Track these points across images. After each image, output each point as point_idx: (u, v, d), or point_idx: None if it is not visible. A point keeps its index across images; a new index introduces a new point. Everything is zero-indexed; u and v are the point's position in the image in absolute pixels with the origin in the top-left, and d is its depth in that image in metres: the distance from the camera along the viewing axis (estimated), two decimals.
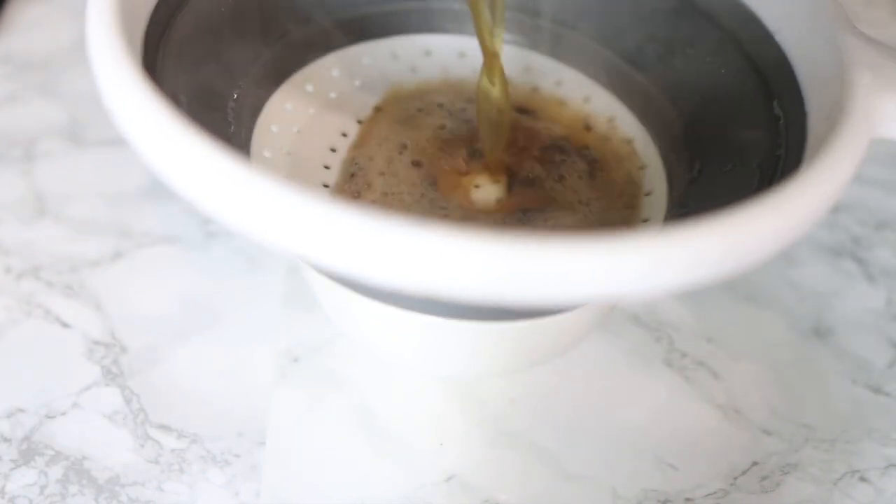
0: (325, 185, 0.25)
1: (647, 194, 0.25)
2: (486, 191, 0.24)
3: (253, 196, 0.14)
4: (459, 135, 0.26)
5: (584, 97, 0.27)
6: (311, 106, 0.26)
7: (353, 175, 0.25)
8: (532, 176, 0.25)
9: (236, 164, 0.14)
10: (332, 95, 0.27)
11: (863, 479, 0.24)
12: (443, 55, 0.29)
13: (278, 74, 0.26)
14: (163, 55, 0.20)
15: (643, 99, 0.26)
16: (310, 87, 0.27)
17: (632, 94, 0.26)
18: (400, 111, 0.27)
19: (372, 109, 0.27)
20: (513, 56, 0.28)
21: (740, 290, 0.28)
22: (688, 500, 0.23)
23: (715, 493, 0.23)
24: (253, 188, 0.14)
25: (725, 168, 0.22)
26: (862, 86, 0.18)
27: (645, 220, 0.24)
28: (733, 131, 0.23)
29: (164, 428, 0.23)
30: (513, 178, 0.25)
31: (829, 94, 0.19)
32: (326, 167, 0.26)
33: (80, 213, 0.29)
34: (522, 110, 0.27)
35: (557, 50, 0.27)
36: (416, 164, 0.25)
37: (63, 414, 0.24)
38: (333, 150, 0.26)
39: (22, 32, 0.37)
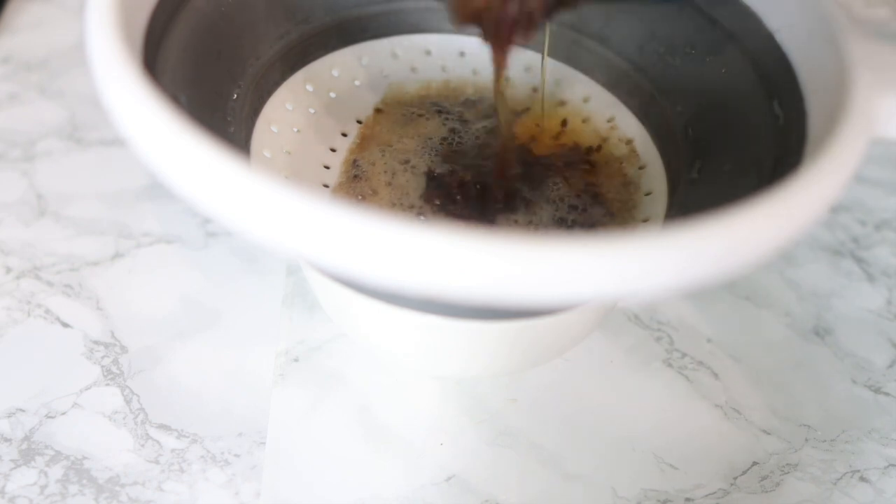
0: (325, 185, 0.25)
1: (647, 194, 0.25)
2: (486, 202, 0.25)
3: (253, 196, 0.14)
4: (456, 142, 0.26)
5: (584, 97, 0.27)
6: (312, 106, 0.26)
7: (355, 177, 0.25)
8: (532, 180, 0.25)
9: (236, 165, 0.14)
10: (332, 95, 0.27)
11: (863, 479, 0.24)
12: (443, 55, 0.29)
13: (278, 74, 0.26)
14: (163, 55, 0.20)
15: (643, 99, 0.26)
16: (310, 87, 0.27)
17: (632, 94, 0.26)
18: (400, 114, 0.27)
19: (372, 110, 0.27)
20: (513, 56, 0.28)
21: (740, 290, 0.28)
22: (688, 500, 0.23)
23: (715, 493, 0.23)
24: (253, 188, 0.14)
25: (725, 168, 0.22)
26: (862, 86, 0.18)
27: (645, 220, 0.24)
28: (733, 131, 0.23)
29: (164, 428, 0.23)
30: (514, 185, 0.25)
31: (829, 93, 0.19)
32: (326, 167, 0.26)
33: (80, 213, 0.29)
34: (519, 114, 0.27)
35: (557, 50, 0.28)
36: (417, 174, 0.25)
37: (63, 414, 0.24)
38: (333, 150, 0.26)
39: (22, 32, 0.37)
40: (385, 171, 0.25)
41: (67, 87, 0.34)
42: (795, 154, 0.19)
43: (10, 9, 0.38)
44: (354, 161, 0.26)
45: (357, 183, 0.25)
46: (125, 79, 0.16)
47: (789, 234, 0.15)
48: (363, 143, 0.26)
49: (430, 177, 0.25)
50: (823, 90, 0.19)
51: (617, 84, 0.27)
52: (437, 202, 0.24)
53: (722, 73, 0.23)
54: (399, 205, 0.24)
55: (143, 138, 0.16)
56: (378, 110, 0.27)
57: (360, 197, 0.24)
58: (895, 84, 0.18)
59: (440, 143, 0.26)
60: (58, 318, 0.26)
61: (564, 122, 0.27)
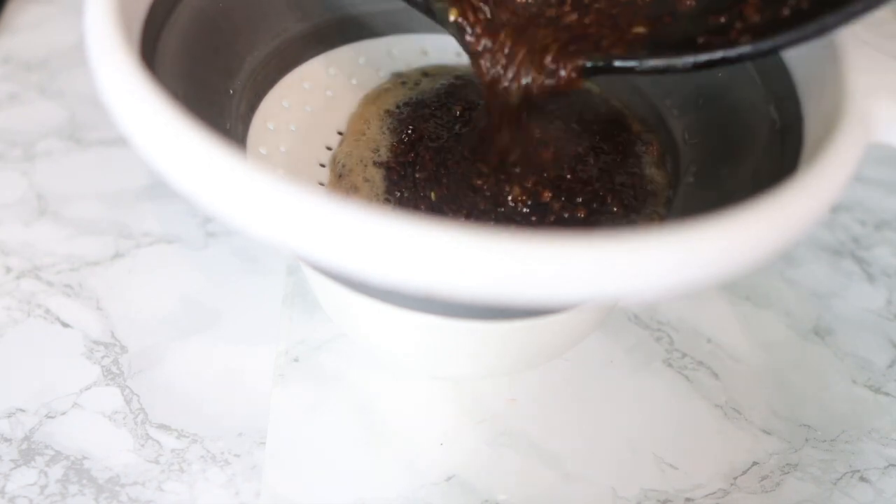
0: (321, 184, 0.25)
1: None
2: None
3: (254, 193, 0.14)
4: (447, 141, 0.26)
5: None
6: (308, 103, 0.26)
7: (340, 176, 0.25)
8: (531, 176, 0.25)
9: (237, 161, 0.14)
10: (329, 93, 0.27)
11: (863, 479, 0.24)
12: (440, 54, 0.29)
13: (275, 71, 0.26)
14: (161, 51, 0.20)
15: (642, 100, 0.26)
16: (306, 85, 0.27)
17: (629, 97, 0.26)
18: (391, 111, 0.27)
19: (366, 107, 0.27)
20: None
21: (740, 290, 0.28)
22: (688, 500, 0.23)
23: (715, 493, 0.23)
24: (254, 185, 0.14)
25: (722, 171, 0.22)
26: (859, 91, 0.18)
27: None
28: (731, 133, 0.23)
29: (164, 428, 0.23)
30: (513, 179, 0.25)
31: (826, 98, 0.19)
32: (322, 165, 0.26)
33: (80, 213, 0.29)
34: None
35: None
36: (404, 175, 0.25)
37: (63, 414, 0.24)
38: (329, 149, 0.26)
39: (22, 32, 0.37)
40: (360, 162, 0.25)
41: (67, 87, 0.34)
42: (792, 158, 0.19)
43: (10, 9, 0.38)
44: (335, 159, 0.25)
45: (342, 181, 0.25)
46: (123, 75, 0.16)
47: (785, 237, 0.15)
48: (347, 137, 0.26)
49: (394, 164, 0.25)
50: (820, 95, 0.19)
51: (616, 85, 0.27)
52: (403, 192, 0.24)
53: (719, 77, 0.23)
54: (376, 198, 0.24)
55: (141, 134, 0.16)
56: (372, 105, 0.27)
57: (345, 195, 0.24)
58: (892, 89, 0.18)
59: (405, 106, 0.26)
60: (58, 318, 0.26)
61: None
